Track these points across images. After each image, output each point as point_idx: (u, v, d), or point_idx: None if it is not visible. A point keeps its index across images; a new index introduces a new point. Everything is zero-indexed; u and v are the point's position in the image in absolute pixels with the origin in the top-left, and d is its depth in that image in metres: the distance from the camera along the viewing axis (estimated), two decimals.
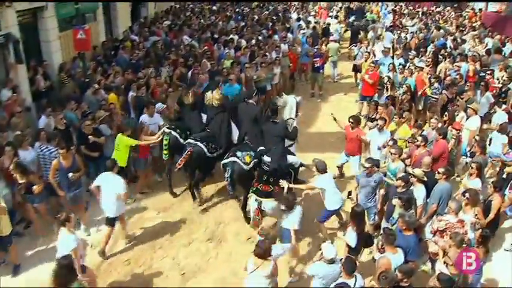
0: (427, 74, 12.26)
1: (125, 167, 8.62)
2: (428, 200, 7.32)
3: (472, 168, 7.74)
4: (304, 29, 19.24)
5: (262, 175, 7.74)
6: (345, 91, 15.94)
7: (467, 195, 6.79)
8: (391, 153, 7.97)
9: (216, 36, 16.71)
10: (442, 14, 23.02)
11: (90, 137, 8.60)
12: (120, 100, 10.56)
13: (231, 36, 16.29)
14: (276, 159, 7.74)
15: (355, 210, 6.49)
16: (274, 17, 21.79)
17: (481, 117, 10.10)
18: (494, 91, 11.23)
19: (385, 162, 8.42)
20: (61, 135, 8.48)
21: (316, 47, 15.51)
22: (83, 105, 9.86)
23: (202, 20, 19.99)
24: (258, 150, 8.16)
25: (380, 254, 6.05)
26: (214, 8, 24.58)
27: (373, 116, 10.09)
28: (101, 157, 8.82)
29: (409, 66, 12.84)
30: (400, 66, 13.07)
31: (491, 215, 7.12)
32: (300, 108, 9.26)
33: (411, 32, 18.48)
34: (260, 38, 16.79)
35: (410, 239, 6.10)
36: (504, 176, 8.42)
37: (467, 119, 9.86)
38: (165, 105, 10.02)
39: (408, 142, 8.78)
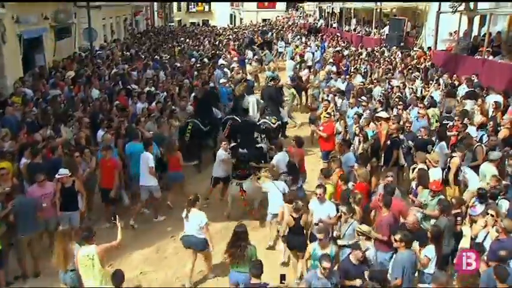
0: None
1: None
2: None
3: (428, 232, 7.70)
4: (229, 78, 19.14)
5: (239, 164, 10.98)
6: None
7: None
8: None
9: (130, 87, 16.61)
10: (386, 57, 24.19)
11: None
12: (14, 168, 10.08)
13: (147, 88, 16.33)
14: (251, 149, 11.24)
15: None
16: (199, 64, 22.10)
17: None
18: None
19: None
20: None
21: None
22: None
23: (114, 69, 19.88)
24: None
25: None
26: (128, 54, 24.67)
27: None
28: None
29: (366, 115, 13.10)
30: (355, 116, 13.11)
31: None
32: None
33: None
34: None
35: None
36: None
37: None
38: (68, 174, 9.50)
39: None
